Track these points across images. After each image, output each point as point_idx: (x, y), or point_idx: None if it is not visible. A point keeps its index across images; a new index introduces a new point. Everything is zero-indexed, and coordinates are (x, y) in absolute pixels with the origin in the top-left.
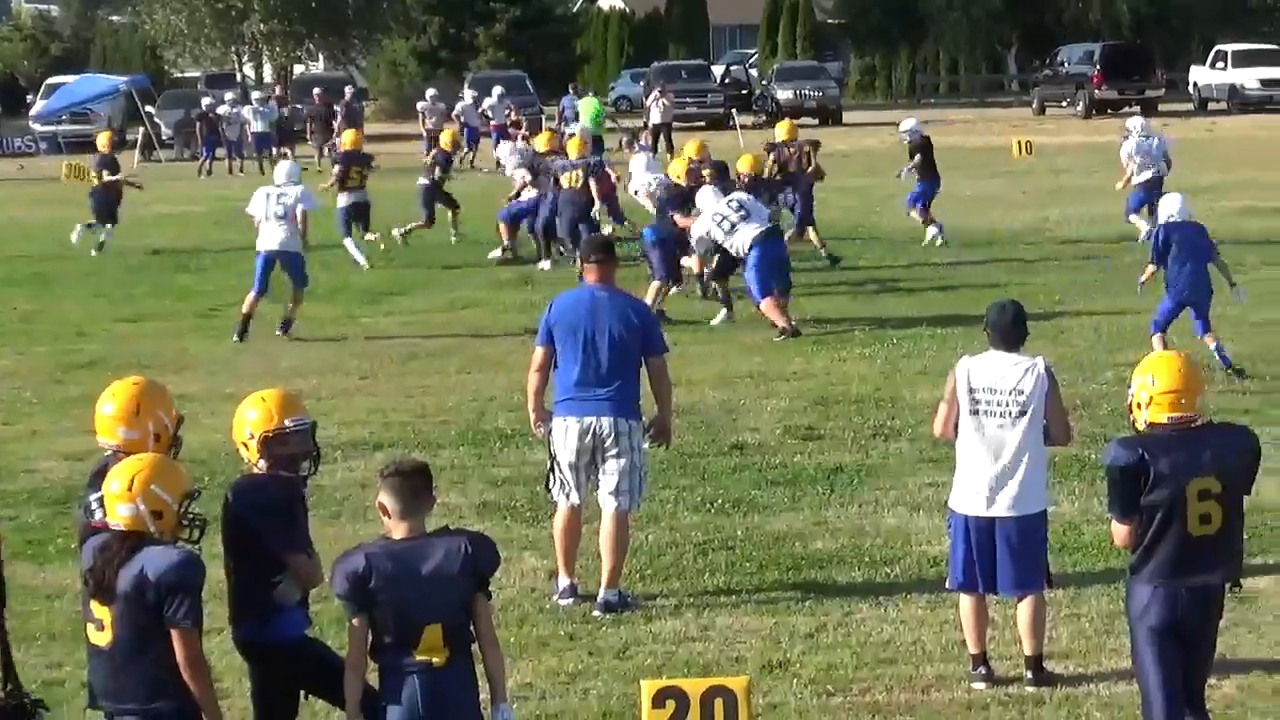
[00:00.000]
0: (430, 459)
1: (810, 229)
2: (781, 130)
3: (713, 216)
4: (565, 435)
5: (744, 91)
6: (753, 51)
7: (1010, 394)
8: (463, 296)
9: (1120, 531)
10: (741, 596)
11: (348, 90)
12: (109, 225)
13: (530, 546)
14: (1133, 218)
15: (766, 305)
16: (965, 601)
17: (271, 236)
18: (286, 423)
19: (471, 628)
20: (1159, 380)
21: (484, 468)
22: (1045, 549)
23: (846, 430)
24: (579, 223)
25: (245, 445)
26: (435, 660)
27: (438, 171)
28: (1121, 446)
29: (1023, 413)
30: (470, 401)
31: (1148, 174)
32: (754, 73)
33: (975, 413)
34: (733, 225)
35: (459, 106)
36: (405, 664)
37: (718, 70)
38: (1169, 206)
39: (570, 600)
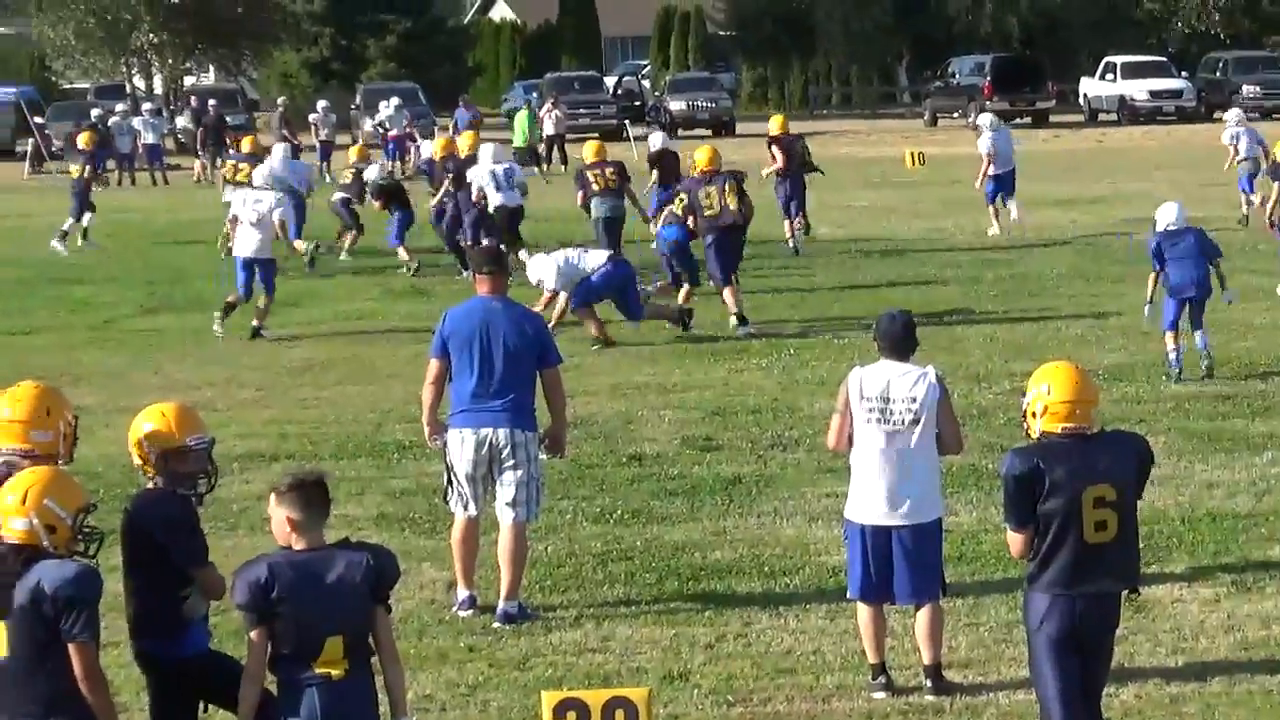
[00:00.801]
0: (329, 471)
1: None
2: (775, 125)
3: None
4: (462, 446)
5: (637, 103)
6: (645, 63)
7: (902, 403)
8: (357, 308)
9: (1016, 540)
10: (641, 607)
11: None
12: (89, 214)
13: (429, 558)
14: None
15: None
16: (863, 611)
17: (247, 242)
18: (188, 440)
19: (371, 641)
20: (1055, 390)
21: (382, 479)
22: (940, 557)
23: (744, 440)
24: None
25: (144, 459)
26: (335, 673)
27: (362, 184)
28: (1016, 455)
29: (915, 421)
30: (367, 413)
31: (1002, 170)
32: (647, 84)
33: (869, 422)
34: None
35: (379, 116)
36: (304, 677)
37: (610, 82)
38: (1166, 216)
39: (470, 611)
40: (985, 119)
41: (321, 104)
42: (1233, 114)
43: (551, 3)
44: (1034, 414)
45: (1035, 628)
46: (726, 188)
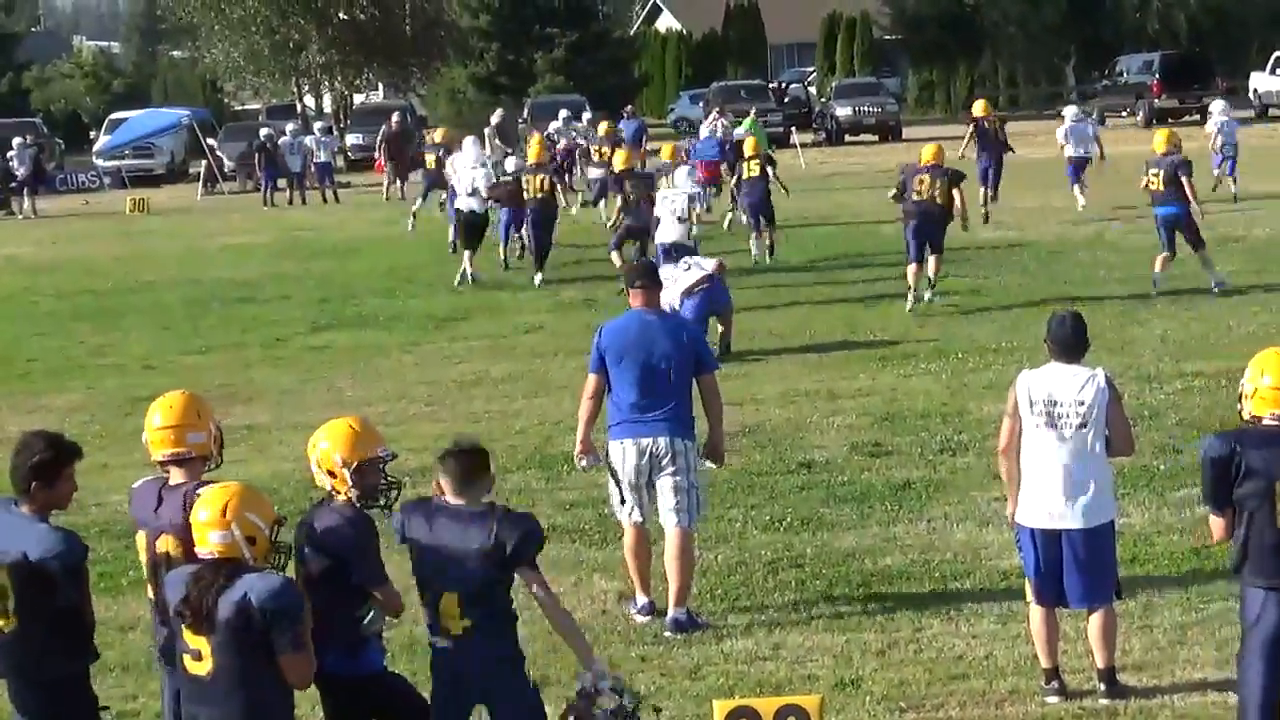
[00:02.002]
0: (499, 483)
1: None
2: (979, 108)
3: None
4: (624, 457)
5: (803, 110)
6: (811, 69)
7: (1071, 405)
8: (525, 320)
9: (1215, 524)
10: (812, 614)
11: (394, 117)
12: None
13: (600, 569)
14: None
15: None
16: (1035, 614)
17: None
18: (378, 451)
19: (533, 595)
20: (1270, 376)
21: (551, 491)
22: (1114, 560)
23: (913, 446)
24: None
25: (333, 474)
26: (452, 629)
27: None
28: (1215, 438)
29: (1084, 424)
30: (536, 425)
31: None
32: (813, 90)
33: (1037, 426)
34: None
35: (549, 129)
36: (430, 626)
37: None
38: None
39: (649, 617)
40: (1068, 110)
41: (563, 113)
42: None
43: (717, 11)
44: (1247, 395)
45: (1251, 625)
46: (940, 181)
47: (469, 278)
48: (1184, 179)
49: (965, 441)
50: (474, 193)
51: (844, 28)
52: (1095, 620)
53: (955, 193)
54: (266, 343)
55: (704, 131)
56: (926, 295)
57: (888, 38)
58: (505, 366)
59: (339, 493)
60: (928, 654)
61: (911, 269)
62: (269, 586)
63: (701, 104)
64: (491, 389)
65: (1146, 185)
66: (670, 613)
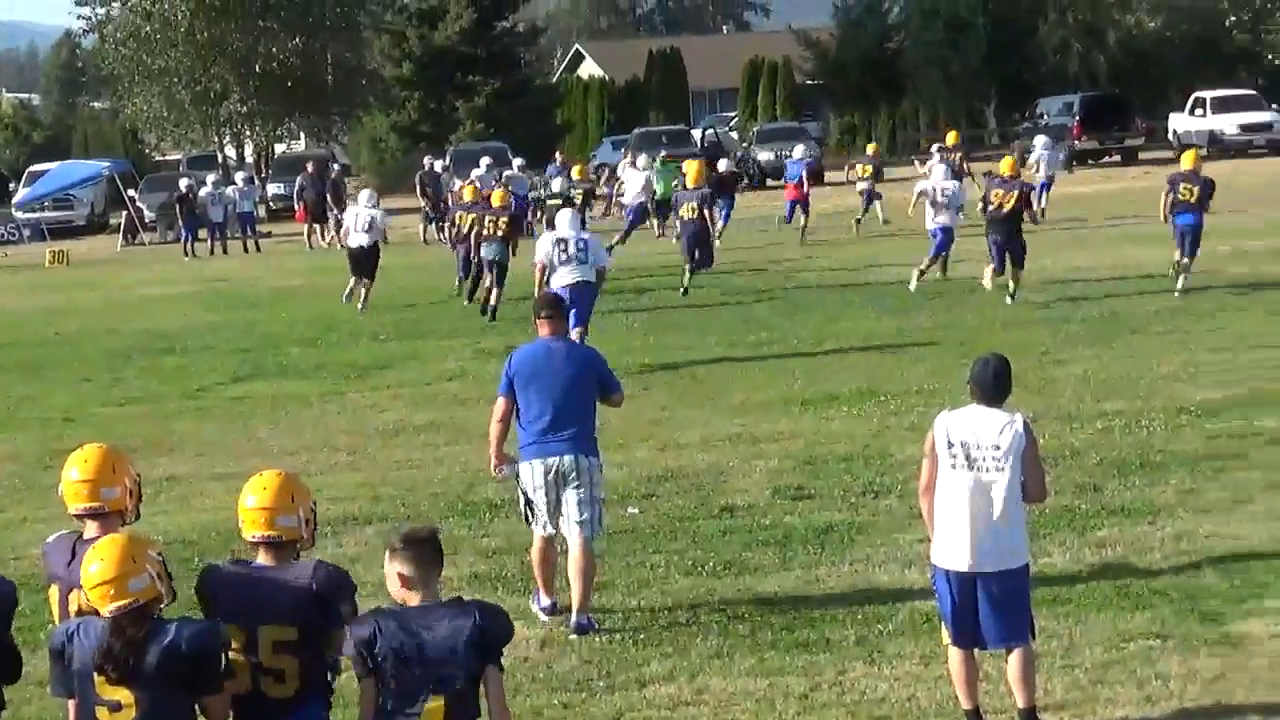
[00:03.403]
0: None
1: None
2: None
3: None
4: (532, 475)
5: (720, 155)
6: (733, 115)
7: (988, 449)
8: (447, 368)
9: None
10: (735, 659)
11: (309, 166)
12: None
13: (522, 616)
14: None
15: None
16: (954, 656)
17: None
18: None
19: (488, 693)
20: None
21: (474, 539)
22: (1028, 601)
23: (836, 489)
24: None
25: (308, 522)
26: None
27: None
28: None
29: (1000, 468)
30: (459, 473)
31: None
32: (734, 135)
33: (953, 468)
34: None
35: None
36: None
37: (697, 134)
38: None
39: (551, 616)
40: (1039, 139)
41: (439, 163)
42: None
43: (639, 58)
44: None
45: None
46: (1013, 193)
47: (354, 300)
48: (1206, 197)
49: (888, 484)
50: (369, 229)
51: (765, 73)
52: (1014, 660)
53: (1028, 200)
54: (188, 393)
55: (619, 173)
56: (1009, 299)
57: (809, 82)
58: (427, 414)
59: (302, 546)
60: (850, 697)
61: (988, 271)
62: (198, 630)
63: (623, 150)
64: (413, 437)
65: (1178, 197)
66: (574, 618)
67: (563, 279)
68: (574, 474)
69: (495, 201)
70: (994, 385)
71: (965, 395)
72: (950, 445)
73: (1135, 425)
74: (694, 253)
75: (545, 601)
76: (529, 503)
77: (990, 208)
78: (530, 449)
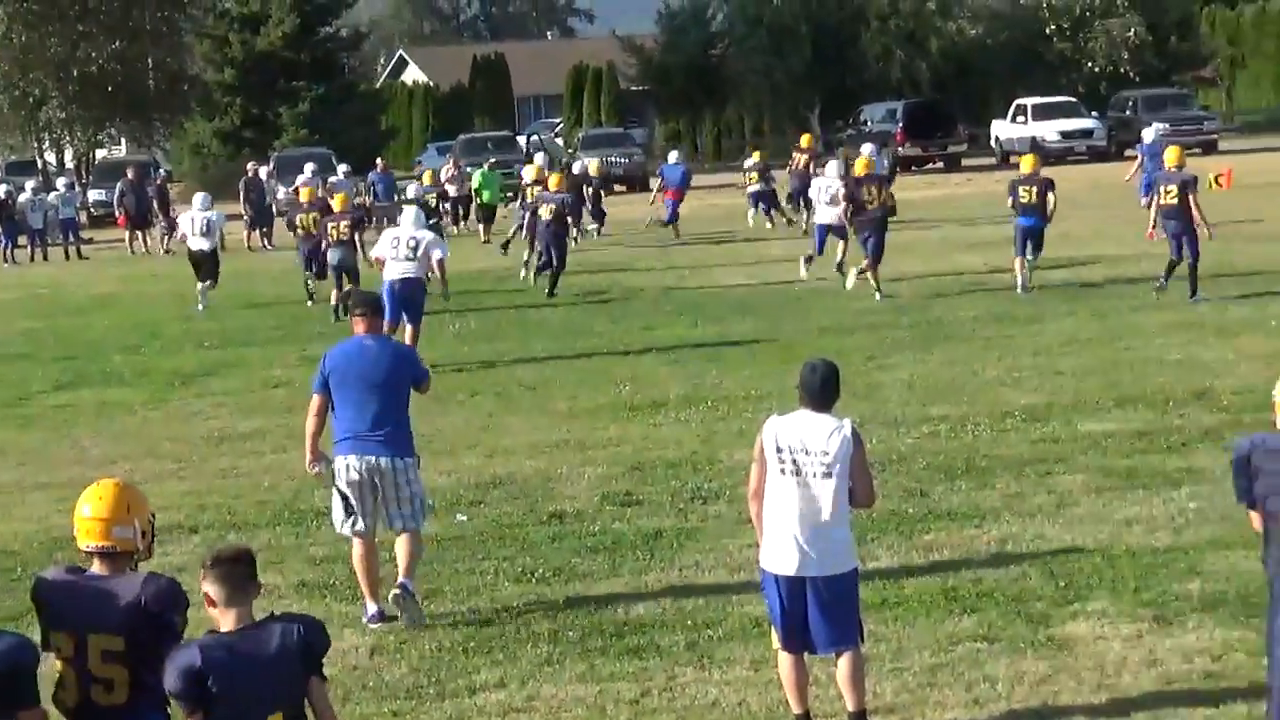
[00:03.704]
0: (248, 540)
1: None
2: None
3: None
4: (347, 472)
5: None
6: (558, 121)
7: (817, 454)
8: (273, 375)
9: (1252, 518)
10: (565, 665)
11: (129, 172)
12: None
13: (351, 624)
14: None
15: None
16: (783, 660)
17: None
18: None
19: (309, 712)
20: None
21: (302, 547)
22: (856, 605)
23: (664, 495)
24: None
25: (145, 534)
26: None
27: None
28: (1241, 437)
29: (828, 473)
30: (286, 481)
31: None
32: (560, 141)
33: (782, 473)
34: None
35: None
36: None
37: (523, 140)
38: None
39: (380, 624)
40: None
41: (264, 169)
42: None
43: (464, 65)
44: (1273, 405)
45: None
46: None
47: (200, 304)
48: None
49: (716, 489)
50: (206, 232)
51: (590, 79)
52: (843, 664)
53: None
54: (9, 402)
55: (444, 177)
56: (847, 282)
57: (634, 88)
58: (253, 422)
59: (140, 557)
60: (681, 702)
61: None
62: (10, 645)
63: (448, 155)
64: (239, 445)
65: (1019, 200)
66: (399, 579)
67: (391, 273)
68: (391, 474)
69: (336, 206)
70: (822, 391)
71: (793, 400)
72: (779, 450)
73: (961, 430)
74: (550, 254)
75: (372, 609)
76: (344, 499)
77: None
78: (344, 445)
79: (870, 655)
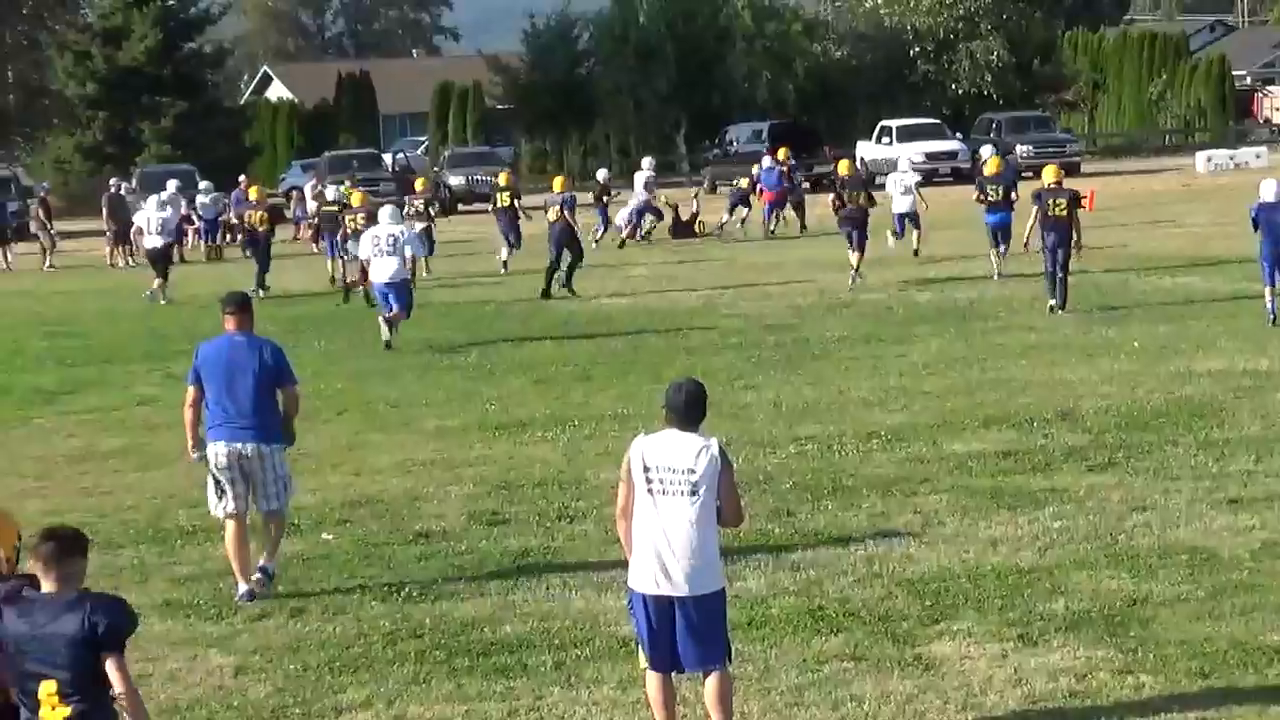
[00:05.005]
0: (111, 559)
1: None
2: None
3: None
4: (217, 457)
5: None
6: (423, 139)
7: (683, 474)
8: (136, 393)
9: None
10: (432, 685)
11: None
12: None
13: (215, 644)
14: None
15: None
16: (651, 680)
17: (383, 270)
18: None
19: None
20: None
21: (166, 565)
22: (724, 625)
23: (531, 514)
24: None
25: (9, 559)
26: (55, 715)
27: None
28: None
29: (694, 492)
30: (149, 500)
31: None
32: (425, 159)
33: (650, 491)
34: None
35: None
36: (33, 715)
37: (388, 158)
38: (1266, 191)
39: (250, 602)
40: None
41: (125, 185)
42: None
43: (328, 82)
44: None
45: None
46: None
47: (159, 298)
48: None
49: (583, 509)
50: (161, 230)
51: (456, 97)
52: (711, 683)
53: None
54: None
55: (308, 194)
56: (852, 281)
57: (500, 107)
58: (116, 440)
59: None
60: None
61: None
62: None
63: (312, 173)
64: (102, 463)
65: (987, 198)
66: (261, 562)
67: (378, 271)
68: (257, 459)
69: (355, 202)
70: (688, 410)
71: (659, 420)
72: (646, 469)
73: (827, 450)
74: (560, 250)
75: (243, 589)
76: (217, 482)
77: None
78: (215, 431)
79: (737, 674)
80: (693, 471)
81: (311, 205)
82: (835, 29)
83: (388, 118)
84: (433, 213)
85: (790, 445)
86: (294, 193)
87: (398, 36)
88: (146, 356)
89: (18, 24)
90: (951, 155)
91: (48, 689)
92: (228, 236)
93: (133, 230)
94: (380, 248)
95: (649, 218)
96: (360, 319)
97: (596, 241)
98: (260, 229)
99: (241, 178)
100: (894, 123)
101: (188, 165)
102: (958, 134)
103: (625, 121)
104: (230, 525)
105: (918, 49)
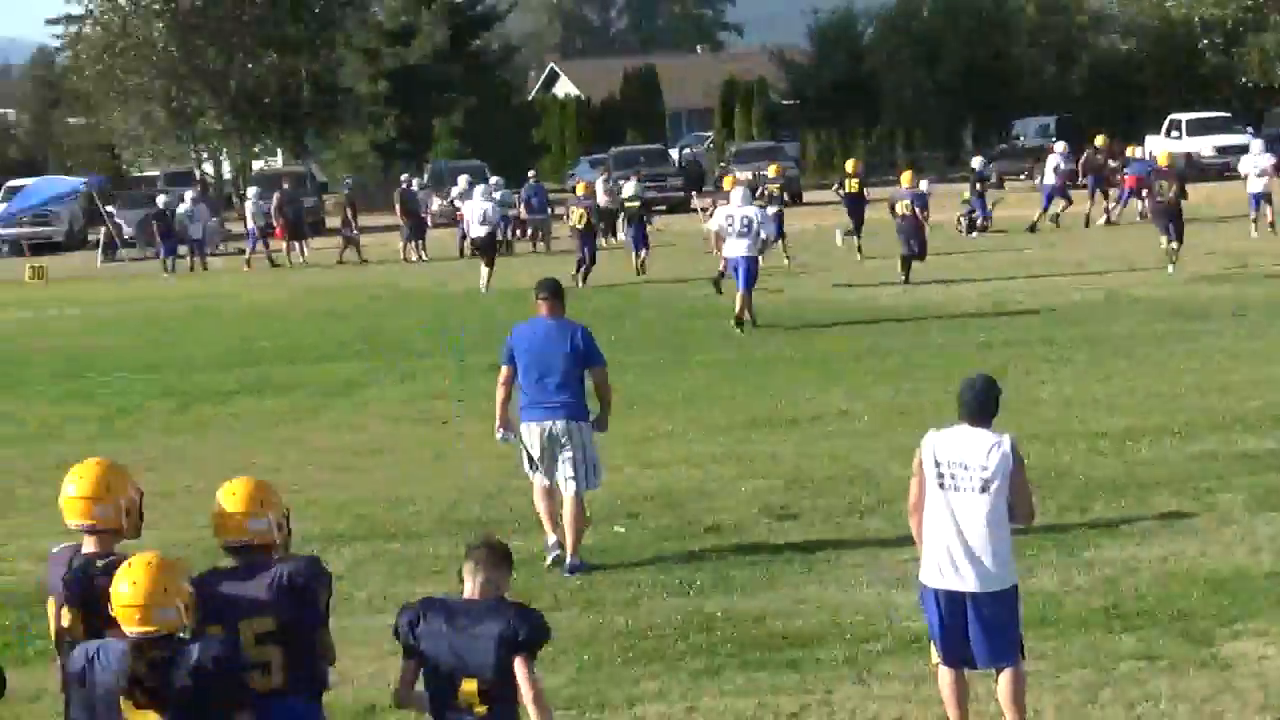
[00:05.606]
0: (407, 549)
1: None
2: (1163, 158)
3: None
4: (529, 435)
5: (701, 174)
6: (709, 134)
7: (975, 469)
8: (433, 385)
9: None
10: (724, 677)
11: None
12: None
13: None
14: None
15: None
16: (944, 675)
17: (735, 249)
18: None
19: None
20: None
21: (460, 556)
22: (1017, 621)
23: (821, 508)
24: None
25: (280, 527)
26: (476, 711)
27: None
28: None
29: (985, 489)
30: (444, 491)
31: None
32: (711, 154)
33: (941, 487)
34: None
35: (453, 193)
36: (445, 714)
37: (674, 154)
38: None
39: (556, 552)
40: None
41: (416, 181)
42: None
43: (615, 78)
44: None
45: None
46: (1171, 183)
47: (483, 288)
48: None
49: (873, 504)
50: (484, 221)
51: (741, 93)
52: (1004, 680)
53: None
54: (170, 409)
55: (599, 189)
56: (1170, 269)
57: (784, 102)
58: (411, 431)
59: (279, 547)
60: (840, 716)
61: (1163, 240)
62: (223, 649)
63: (600, 169)
64: (398, 454)
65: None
66: (568, 560)
67: (731, 249)
68: (565, 437)
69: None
70: (980, 405)
71: (952, 415)
72: (937, 465)
73: (1120, 446)
74: (909, 242)
75: (551, 539)
76: (529, 456)
77: (1159, 196)
78: (526, 412)
79: (1030, 672)
80: (985, 468)
81: (604, 200)
82: (1121, 22)
83: (672, 113)
84: (785, 198)
85: (1082, 442)
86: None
87: (682, 33)
88: (441, 349)
89: (310, 23)
90: (1243, 149)
91: (468, 688)
92: (515, 232)
93: (464, 223)
94: (735, 228)
95: (1059, 201)
96: (648, 312)
97: (978, 231)
98: (581, 225)
99: (530, 173)
100: (1183, 116)
101: (477, 161)
102: (1248, 127)
103: (910, 116)
104: (539, 488)
105: (1205, 41)
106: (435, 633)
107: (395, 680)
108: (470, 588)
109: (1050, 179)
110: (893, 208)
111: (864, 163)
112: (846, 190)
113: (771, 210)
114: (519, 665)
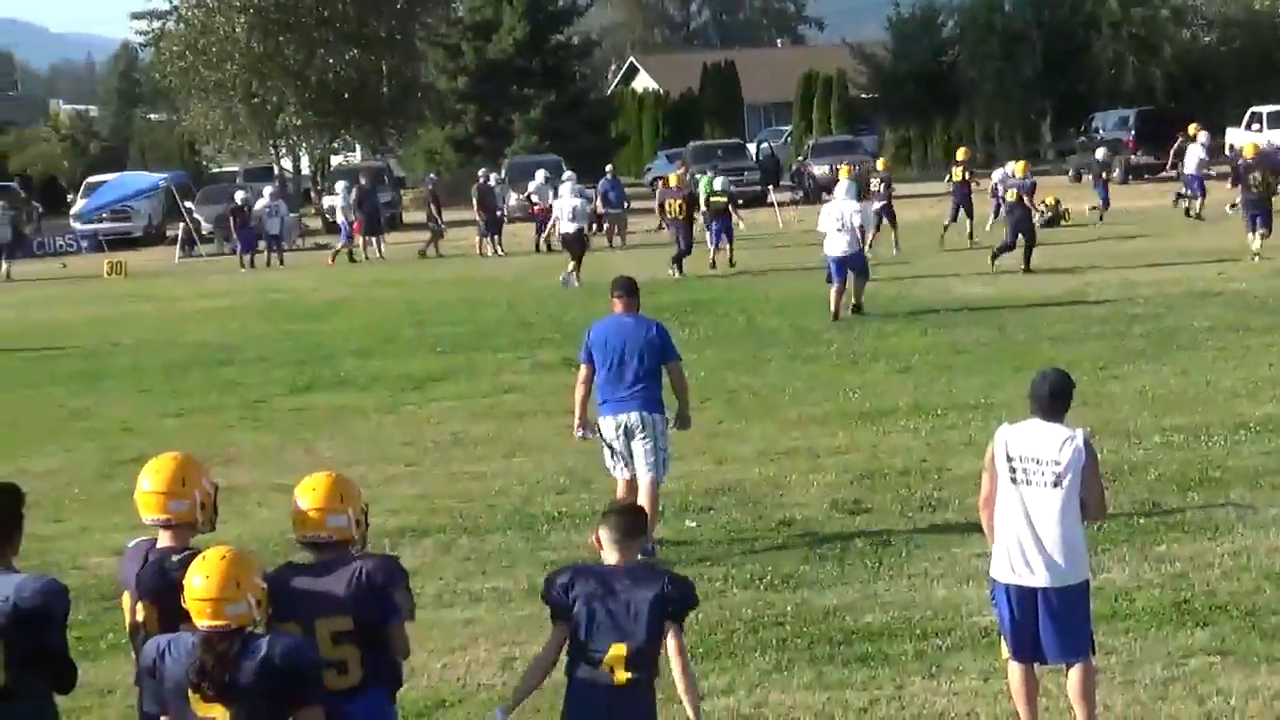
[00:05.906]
0: (479, 544)
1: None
2: (1249, 150)
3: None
4: (608, 429)
5: (778, 168)
6: (787, 128)
7: (1048, 464)
8: (505, 381)
9: None
10: (794, 672)
11: (361, 179)
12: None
13: None
14: None
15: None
16: (1014, 671)
17: (836, 245)
18: None
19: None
20: None
21: (532, 551)
22: (1088, 617)
23: (893, 503)
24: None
25: (359, 523)
26: (618, 677)
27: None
28: None
29: (1058, 483)
30: (516, 485)
31: None
32: (790, 148)
33: (1014, 481)
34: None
35: (529, 189)
36: (590, 677)
37: (752, 148)
38: None
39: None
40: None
41: (540, 174)
42: None
43: (694, 72)
44: None
45: None
46: (1266, 172)
47: (573, 282)
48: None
49: (945, 498)
50: (574, 217)
51: (820, 87)
52: (1074, 676)
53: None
54: (245, 404)
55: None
56: (1254, 259)
57: (863, 96)
58: (484, 427)
59: (354, 542)
60: (910, 711)
61: (1249, 236)
62: (293, 645)
63: (677, 163)
64: (470, 449)
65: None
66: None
67: (832, 246)
68: (640, 428)
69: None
70: (1053, 400)
71: (1024, 409)
72: (1010, 459)
73: (1194, 441)
74: (1016, 233)
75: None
76: (611, 450)
77: (1252, 188)
78: (604, 408)
79: (1101, 667)
80: (1057, 463)
81: None
82: (1204, 15)
83: (751, 107)
84: (884, 192)
85: (1156, 436)
86: (658, 183)
87: (762, 26)
88: (514, 345)
89: (391, 19)
90: None
91: (617, 652)
92: (591, 226)
93: (553, 219)
94: (831, 224)
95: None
96: (721, 308)
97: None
98: (679, 216)
99: (607, 167)
100: (1264, 109)
101: (554, 155)
102: None
103: (990, 109)
104: (621, 484)
105: None
106: (590, 594)
107: (531, 655)
108: (613, 555)
109: (1190, 169)
110: (1000, 196)
111: (939, 159)
112: (952, 179)
113: (876, 206)
114: (671, 631)
